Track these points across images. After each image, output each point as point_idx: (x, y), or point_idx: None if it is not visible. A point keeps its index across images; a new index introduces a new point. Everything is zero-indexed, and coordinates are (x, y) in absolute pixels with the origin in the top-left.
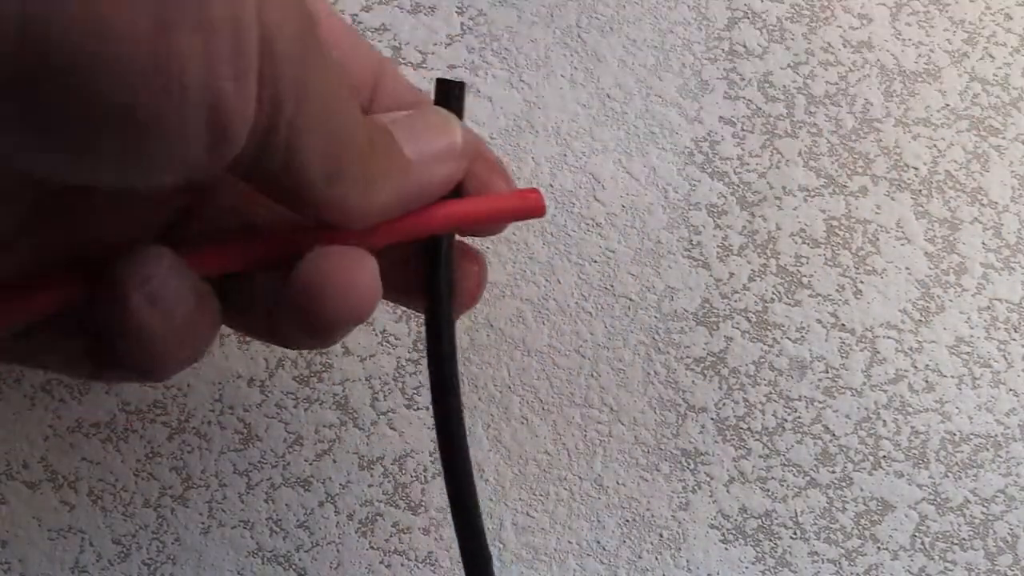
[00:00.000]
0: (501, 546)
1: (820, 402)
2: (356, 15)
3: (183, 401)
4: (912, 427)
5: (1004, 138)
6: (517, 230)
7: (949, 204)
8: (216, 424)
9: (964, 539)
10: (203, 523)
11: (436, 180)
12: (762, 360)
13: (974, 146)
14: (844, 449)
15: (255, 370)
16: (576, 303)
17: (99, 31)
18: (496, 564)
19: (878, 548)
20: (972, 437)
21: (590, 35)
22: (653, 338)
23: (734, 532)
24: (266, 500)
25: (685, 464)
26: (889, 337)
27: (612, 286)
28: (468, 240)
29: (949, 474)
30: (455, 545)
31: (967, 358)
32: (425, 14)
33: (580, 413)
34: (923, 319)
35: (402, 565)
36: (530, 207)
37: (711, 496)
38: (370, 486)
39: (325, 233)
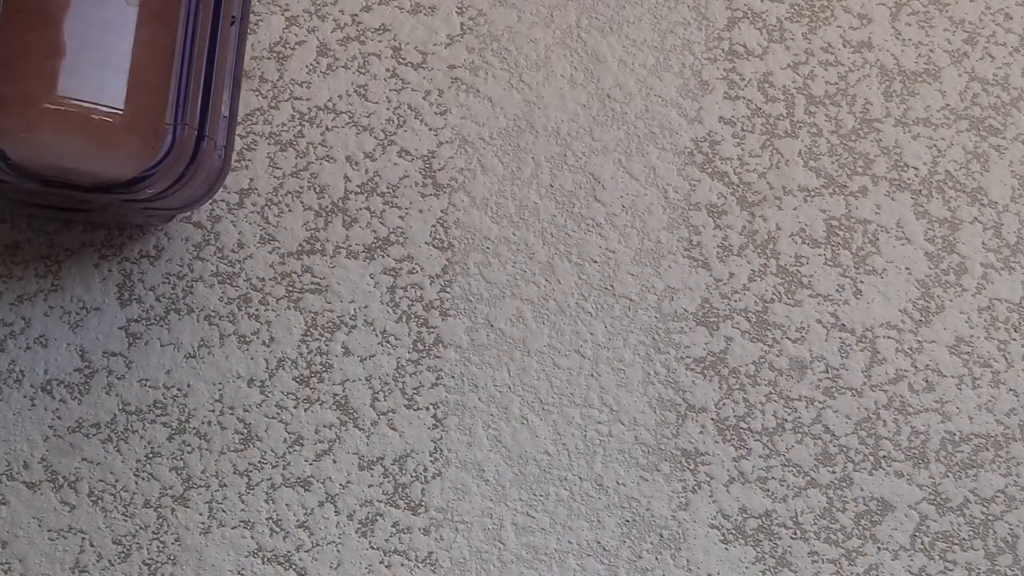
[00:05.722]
0: (501, 546)
1: (820, 402)
2: (356, 15)
3: (183, 401)
4: (912, 427)
5: (1004, 138)
6: (517, 230)
7: (949, 204)
8: (216, 424)
9: (964, 539)
10: (203, 523)
11: None
12: (762, 360)
13: (974, 146)
14: (844, 449)
15: (255, 370)
16: (576, 303)
17: None
18: (496, 564)
19: (878, 548)
20: (972, 437)
21: (590, 35)
22: (653, 338)
23: (734, 532)
24: (266, 500)
25: (685, 464)
26: (889, 337)
27: (612, 286)
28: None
29: (949, 474)
30: (455, 545)
31: (967, 358)
32: (425, 14)
33: (580, 413)
34: (923, 319)
35: (402, 565)
36: None
37: (711, 496)
38: (370, 486)
39: None
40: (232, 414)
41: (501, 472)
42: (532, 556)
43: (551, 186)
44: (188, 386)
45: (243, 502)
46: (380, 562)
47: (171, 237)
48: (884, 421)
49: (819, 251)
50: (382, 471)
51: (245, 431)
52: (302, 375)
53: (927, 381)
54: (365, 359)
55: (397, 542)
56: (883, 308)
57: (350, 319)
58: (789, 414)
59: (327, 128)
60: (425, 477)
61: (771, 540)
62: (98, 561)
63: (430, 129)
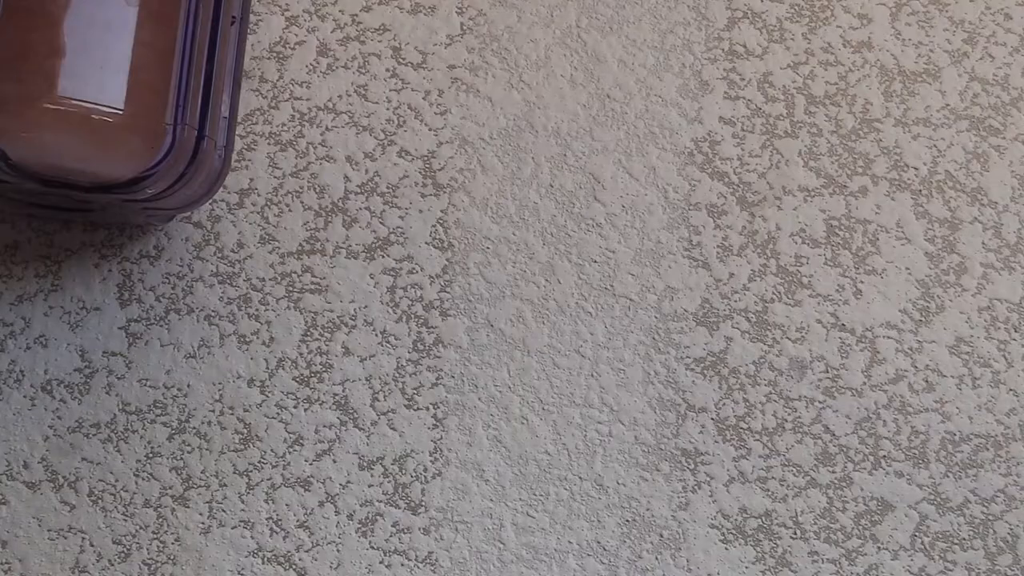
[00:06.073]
0: (501, 546)
1: (820, 402)
2: (356, 15)
3: (183, 401)
4: (912, 427)
5: (1004, 138)
6: (517, 230)
7: (949, 204)
8: (216, 424)
9: (964, 539)
10: (203, 523)
11: None
12: (762, 360)
13: (974, 146)
14: (844, 449)
15: (255, 370)
16: (576, 303)
17: None
18: (496, 564)
19: (878, 548)
20: (972, 437)
21: (590, 35)
22: (653, 338)
23: (734, 532)
24: (266, 500)
25: (685, 464)
26: (889, 337)
27: (612, 286)
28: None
29: (949, 474)
30: (455, 545)
31: (967, 358)
32: (425, 14)
33: (580, 413)
34: (923, 319)
35: (402, 565)
36: None
37: (711, 496)
38: (370, 486)
39: None
40: (232, 414)
41: (501, 472)
42: (532, 556)
43: (551, 186)
44: (188, 386)
45: (243, 502)
46: (380, 562)
47: (171, 237)
48: (884, 421)
49: (819, 251)
50: (382, 471)
51: (245, 431)
52: (302, 375)
53: (927, 381)
54: (365, 359)
55: (397, 542)
56: (883, 308)
57: (350, 319)
58: (789, 414)
59: (327, 128)
60: (425, 477)
61: (771, 540)
62: (98, 561)
63: (430, 129)
